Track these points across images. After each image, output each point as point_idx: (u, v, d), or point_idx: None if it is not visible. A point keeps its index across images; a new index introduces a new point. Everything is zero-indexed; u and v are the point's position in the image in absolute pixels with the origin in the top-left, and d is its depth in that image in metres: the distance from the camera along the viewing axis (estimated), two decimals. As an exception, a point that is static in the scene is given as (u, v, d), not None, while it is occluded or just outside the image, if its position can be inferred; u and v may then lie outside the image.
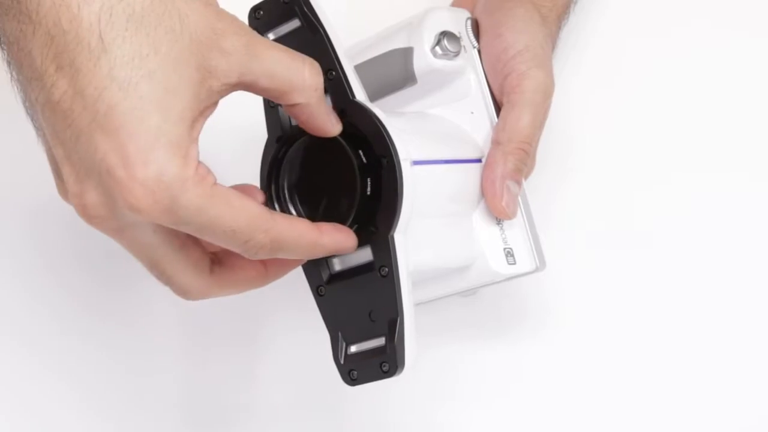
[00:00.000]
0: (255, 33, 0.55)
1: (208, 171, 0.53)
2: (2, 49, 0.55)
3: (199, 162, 0.53)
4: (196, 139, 0.54)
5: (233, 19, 0.55)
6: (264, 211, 0.55)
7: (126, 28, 0.52)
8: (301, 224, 0.57)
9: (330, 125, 0.59)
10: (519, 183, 0.67)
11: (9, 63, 0.55)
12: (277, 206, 0.62)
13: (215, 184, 0.54)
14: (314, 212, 0.62)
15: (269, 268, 0.60)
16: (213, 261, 0.59)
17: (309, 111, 0.57)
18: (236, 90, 0.55)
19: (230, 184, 0.76)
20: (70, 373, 0.77)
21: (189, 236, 0.57)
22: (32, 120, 0.56)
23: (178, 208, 0.52)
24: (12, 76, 0.55)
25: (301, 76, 0.56)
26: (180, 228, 0.54)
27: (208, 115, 0.55)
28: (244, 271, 0.60)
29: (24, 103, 0.55)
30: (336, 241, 0.59)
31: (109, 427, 0.76)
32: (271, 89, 0.56)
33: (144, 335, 0.77)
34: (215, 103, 0.55)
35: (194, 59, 0.53)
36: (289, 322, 0.76)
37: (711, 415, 0.76)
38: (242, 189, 0.59)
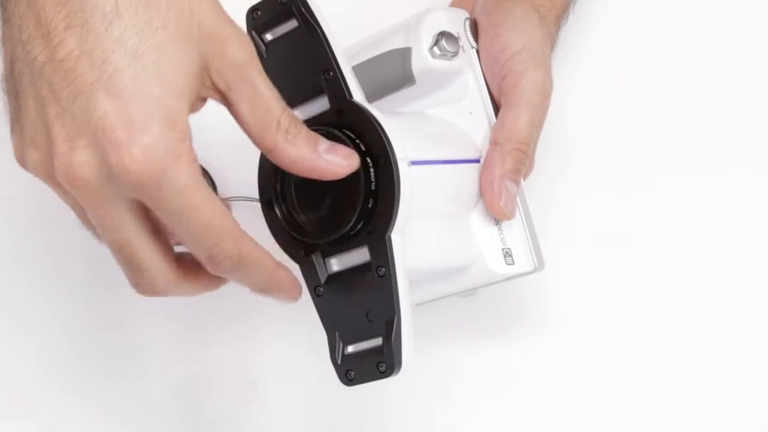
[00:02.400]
0: (256, 58, 0.56)
1: (197, 158, 0.54)
2: (0, 7, 0.56)
3: (193, 150, 0.54)
4: (188, 122, 0.54)
5: (241, 31, 0.56)
6: (238, 224, 0.56)
7: (140, 2, 0.53)
8: (264, 251, 0.57)
9: (321, 164, 0.58)
10: (517, 183, 0.67)
11: (5, 21, 0.55)
12: (281, 206, 0.62)
13: (201, 177, 0.54)
14: (317, 213, 0.62)
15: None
16: (177, 257, 0.58)
17: (284, 153, 0.57)
18: (217, 97, 0.56)
19: (226, 186, 0.77)
20: (63, 375, 0.77)
21: (157, 226, 0.56)
22: (10, 83, 0.56)
23: (165, 180, 0.52)
24: (3, 35, 0.56)
25: (276, 113, 0.56)
26: (159, 204, 0.53)
27: (198, 107, 0.55)
28: (204, 273, 0.58)
29: (7, 66, 0.56)
30: (287, 281, 0.59)
31: (108, 426, 0.76)
32: (248, 116, 0.56)
33: (139, 335, 0.77)
34: (204, 100, 0.56)
35: (198, 46, 0.54)
36: (287, 322, 0.76)
37: (710, 415, 0.76)
38: None
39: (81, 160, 0.53)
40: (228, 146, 0.74)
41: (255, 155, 0.64)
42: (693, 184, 0.79)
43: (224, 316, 0.77)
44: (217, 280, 0.59)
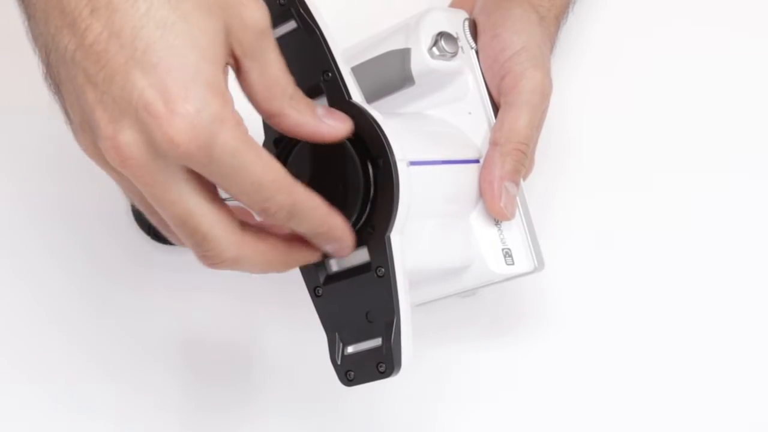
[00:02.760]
0: (271, 26, 0.56)
1: (242, 119, 0.54)
2: (23, 4, 0.56)
3: (237, 111, 0.54)
4: (227, 86, 0.54)
5: (260, 0, 0.56)
6: (288, 174, 0.56)
7: None
8: (318, 198, 0.57)
9: (322, 128, 0.59)
10: (517, 184, 0.67)
11: (31, 18, 0.56)
12: None
13: (248, 132, 0.54)
14: None
15: (293, 245, 0.60)
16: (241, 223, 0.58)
17: (289, 119, 0.57)
18: (231, 63, 0.56)
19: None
20: (61, 375, 0.77)
21: (218, 192, 0.56)
22: (50, 77, 0.56)
23: (214, 146, 0.52)
24: (33, 33, 0.56)
25: (284, 84, 0.57)
26: (210, 169, 0.53)
27: (227, 72, 0.55)
28: (272, 237, 0.59)
29: (43, 60, 0.56)
30: (343, 228, 0.59)
31: (105, 420, 0.76)
32: (257, 84, 0.56)
33: (141, 336, 0.77)
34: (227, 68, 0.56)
35: (221, 14, 0.54)
36: (286, 322, 0.76)
37: (710, 415, 0.76)
38: None
39: (127, 139, 0.53)
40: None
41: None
42: (692, 184, 0.79)
43: (225, 316, 0.77)
44: (286, 259, 0.59)
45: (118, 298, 0.77)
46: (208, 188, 0.56)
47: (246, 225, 0.58)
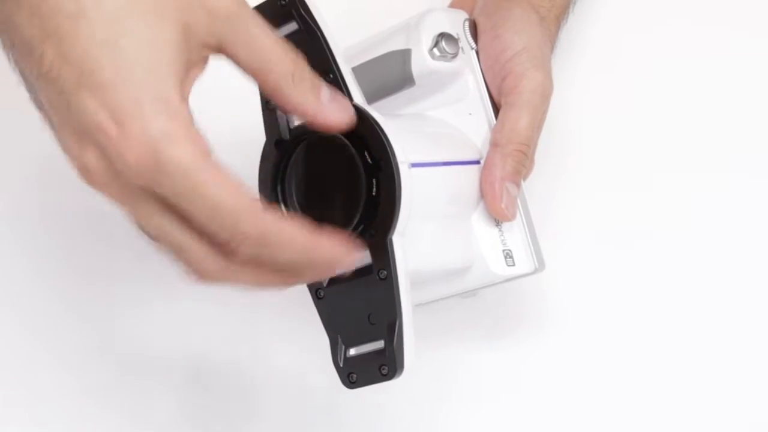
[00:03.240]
0: (247, 4, 0.55)
1: (203, 138, 0.52)
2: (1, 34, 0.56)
3: (194, 125, 0.52)
4: (186, 99, 0.53)
5: None
6: (256, 201, 0.53)
7: None
8: (294, 226, 0.53)
9: (323, 112, 0.57)
10: (518, 184, 0.67)
11: (7, 47, 0.55)
12: (283, 207, 0.62)
13: (209, 154, 0.52)
14: (319, 214, 0.62)
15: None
16: None
17: (288, 98, 0.56)
18: (218, 54, 0.55)
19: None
20: (60, 379, 0.76)
21: None
22: (34, 102, 0.56)
23: (164, 163, 0.51)
24: (8, 58, 0.56)
25: (278, 56, 0.55)
26: (166, 191, 0.51)
27: (195, 76, 0.54)
28: None
29: (24, 83, 0.56)
30: (328, 253, 0.54)
31: (102, 421, 0.76)
32: (249, 62, 0.55)
33: (141, 339, 0.77)
34: (200, 65, 0.54)
35: (175, 14, 0.53)
36: (289, 324, 0.76)
37: (711, 416, 0.76)
38: None
39: (93, 163, 0.53)
40: (229, 147, 0.74)
41: (256, 156, 0.64)
42: (693, 184, 0.79)
43: (227, 317, 0.77)
44: (281, 280, 0.55)
45: (117, 298, 0.77)
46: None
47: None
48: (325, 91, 0.57)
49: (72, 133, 0.53)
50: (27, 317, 0.77)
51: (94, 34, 0.52)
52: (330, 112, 0.57)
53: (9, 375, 0.77)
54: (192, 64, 0.54)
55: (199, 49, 0.54)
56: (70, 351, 0.77)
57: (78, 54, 0.52)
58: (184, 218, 0.53)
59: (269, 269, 0.54)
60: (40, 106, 0.55)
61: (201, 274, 0.55)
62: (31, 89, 0.55)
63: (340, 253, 0.54)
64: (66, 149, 0.54)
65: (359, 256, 0.57)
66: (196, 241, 0.54)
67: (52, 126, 0.54)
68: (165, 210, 0.53)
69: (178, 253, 0.55)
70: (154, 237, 0.55)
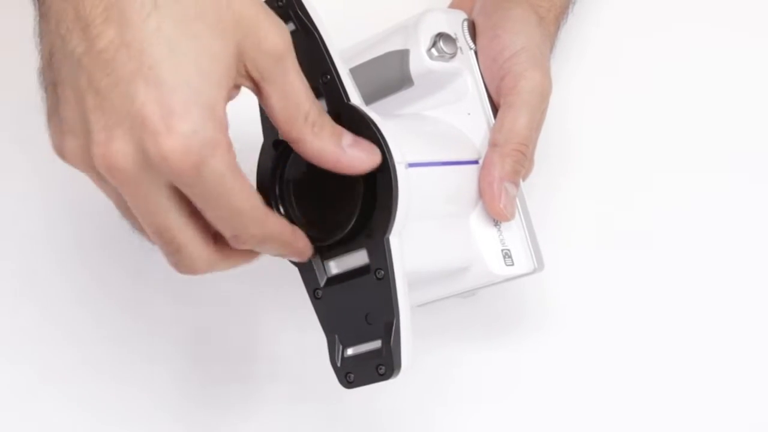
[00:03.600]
0: (292, 51, 0.57)
1: (233, 146, 0.55)
2: (36, 2, 0.58)
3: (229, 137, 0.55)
4: (225, 111, 0.55)
5: (279, 22, 0.57)
6: (264, 204, 0.57)
7: None
8: (284, 223, 0.59)
9: (344, 159, 0.59)
10: (516, 184, 0.67)
11: (43, 16, 0.57)
12: (281, 208, 0.63)
13: (236, 160, 0.55)
14: (315, 216, 0.62)
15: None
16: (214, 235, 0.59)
17: (310, 145, 0.58)
18: (249, 86, 0.57)
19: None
20: (62, 375, 0.77)
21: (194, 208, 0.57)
22: (47, 76, 0.57)
23: (204, 168, 0.53)
24: (41, 30, 0.57)
25: (306, 108, 0.58)
26: (194, 190, 0.54)
27: (233, 96, 0.56)
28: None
29: (45, 59, 0.57)
30: (300, 245, 0.61)
31: (105, 423, 0.76)
32: (278, 107, 0.57)
33: (141, 337, 0.77)
34: (236, 90, 0.57)
35: (235, 36, 0.55)
36: (286, 324, 0.76)
37: (710, 415, 0.76)
38: None
39: (118, 148, 0.54)
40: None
41: (254, 156, 0.64)
42: (693, 185, 0.78)
43: (224, 318, 0.77)
44: (250, 255, 0.60)
45: (116, 298, 0.77)
46: (189, 203, 0.57)
47: (219, 236, 0.59)
48: (347, 138, 0.59)
49: (105, 116, 0.54)
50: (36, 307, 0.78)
51: (162, 30, 0.53)
52: (351, 158, 0.59)
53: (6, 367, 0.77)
54: (236, 83, 0.56)
55: (242, 77, 0.56)
56: (67, 341, 0.77)
57: (140, 45, 0.53)
58: (195, 215, 0.57)
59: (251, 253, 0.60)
60: (56, 80, 0.56)
61: (188, 267, 0.58)
62: (58, 63, 0.56)
63: (307, 246, 0.61)
64: (90, 130, 0.54)
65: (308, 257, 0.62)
66: (198, 237, 0.57)
67: (71, 105, 0.55)
68: (178, 206, 0.56)
69: (175, 247, 0.57)
70: (157, 232, 0.57)
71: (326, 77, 0.61)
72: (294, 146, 0.59)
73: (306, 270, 0.63)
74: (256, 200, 0.56)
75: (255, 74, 0.56)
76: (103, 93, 0.54)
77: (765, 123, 0.80)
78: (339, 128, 0.59)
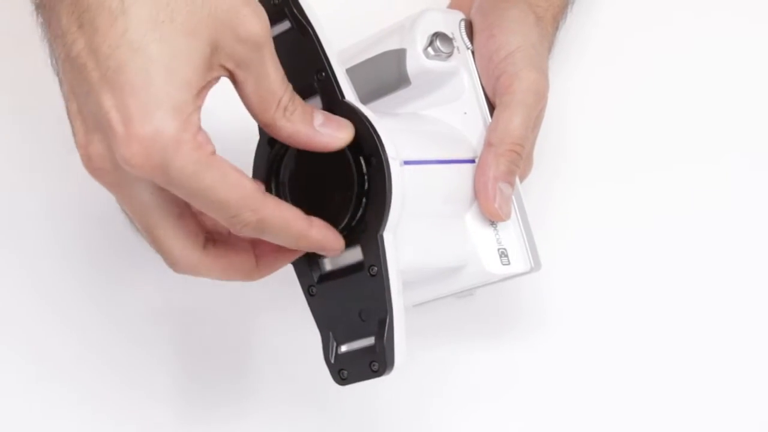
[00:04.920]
0: (270, 37, 0.57)
1: (208, 140, 0.55)
2: (38, 13, 0.59)
3: (201, 130, 0.55)
4: (199, 108, 0.55)
5: (256, 10, 0.56)
6: (257, 190, 0.57)
7: None
8: (291, 212, 0.58)
9: (316, 138, 0.59)
10: (512, 185, 0.67)
11: (42, 24, 0.58)
12: None
13: (214, 153, 0.55)
14: (312, 211, 0.62)
15: (260, 260, 0.61)
16: (207, 239, 0.60)
17: (282, 130, 0.59)
18: (224, 74, 0.57)
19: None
20: (60, 372, 0.77)
21: (187, 207, 0.58)
22: (58, 76, 0.58)
23: (170, 169, 0.54)
24: (44, 35, 0.58)
25: (279, 95, 0.58)
26: (172, 189, 0.55)
27: (211, 86, 0.57)
28: (236, 255, 0.61)
29: (51, 61, 0.58)
30: (324, 236, 0.60)
31: (102, 422, 0.76)
32: (253, 94, 0.57)
33: (138, 335, 0.77)
34: (214, 83, 0.57)
35: (207, 33, 0.55)
36: (280, 321, 0.76)
37: (710, 413, 0.75)
38: None
39: (98, 152, 0.55)
40: (228, 147, 0.74)
41: (250, 153, 0.64)
42: (691, 184, 0.78)
43: (219, 314, 0.77)
44: (253, 268, 0.61)
45: (116, 297, 0.78)
46: (176, 203, 0.58)
47: (211, 241, 0.60)
48: (318, 117, 0.60)
49: (84, 119, 0.55)
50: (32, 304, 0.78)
51: (128, 34, 0.54)
52: (322, 136, 0.60)
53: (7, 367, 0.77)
54: (212, 78, 0.56)
55: (218, 69, 0.56)
56: (65, 338, 0.77)
57: (107, 50, 0.54)
58: (182, 217, 0.58)
59: (245, 260, 0.61)
60: (61, 80, 0.57)
61: (174, 267, 0.59)
62: (57, 66, 0.57)
63: (331, 237, 0.60)
64: (75, 131, 0.56)
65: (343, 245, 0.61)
66: (184, 239, 0.58)
67: (68, 106, 0.57)
68: (163, 206, 0.57)
69: (159, 246, 0.59)
70: (144, 229, 0.58)
71: (321, 74, 0.61)
72: (267, 130, 0.59)
73: (300, 267, 0.63)
74: (244, 188, 0.56)
75: (230, 64, 0.56)
76: (80, 99, 0.55)
77: (763, 122, 0.80)
78: (310, 108, 0.59)
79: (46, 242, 0.78)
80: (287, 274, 0.63)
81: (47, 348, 0.77)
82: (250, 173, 0.64)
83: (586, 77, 0.80)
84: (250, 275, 0.61)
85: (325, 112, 0.60)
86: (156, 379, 0.76)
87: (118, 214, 0.76)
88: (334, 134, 0.60)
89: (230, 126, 0.72)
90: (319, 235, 0.59)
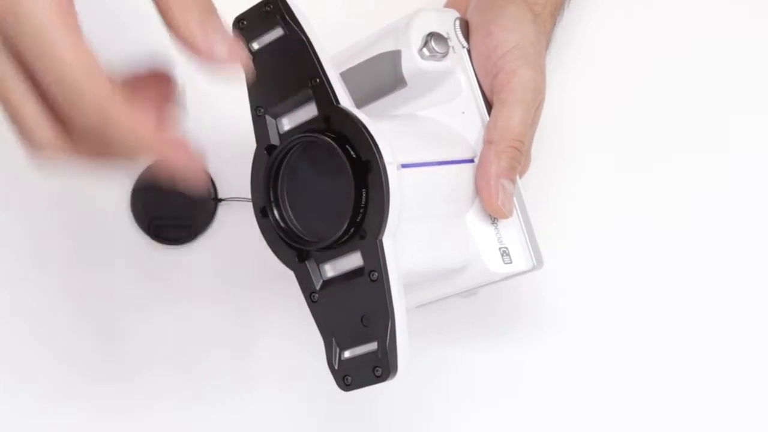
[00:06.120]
0: None
1: (75, 12, 0.51)
2: None
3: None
4: None
5: None
6: (107, 80, 0.51)
7: None
8: (135, 112, 0.52)
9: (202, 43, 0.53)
10: (513, 181, 0.67)
11: None
12: (276, 211, 0.63)
13: (74, 18, 0.51)
14: (309, 219, 0.62)
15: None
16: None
17: (172, 21, 0.53)
18: None
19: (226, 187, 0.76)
20: (60, 374, 0.77)
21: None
22: None
23: (20, 13, 0.50)
24: None
25: None
26: (15, 41, 0.50)
27: None
28: None
29: None
30: (175, 160, 0.53)
31: (102, 420, 0.77)
32: None
33: (139, 336, 0.77)
34: None
35: None
36: (284, 327, 0.76)
37: (710, 413, 0.75)
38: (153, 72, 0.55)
39: None
40: (227, 146, 0.74)
41: (248, 161, 0.64)
42: (692, 182, 0.78)
43: (222, 321, 0.77)
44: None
45: (116, 298, 0.78)
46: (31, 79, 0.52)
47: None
48: (217, 22, 0.53)
49: None
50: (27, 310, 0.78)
51: None
52: (211, 42, 0.53)
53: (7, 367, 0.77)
54: None
55: None
56: (66, 339, 0.77)
57: None
58: (29, 76, 0.52)
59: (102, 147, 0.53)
60: None
61: (34, 142, 0.53)
62: None
63: (170, 148, 0.54)
64: None
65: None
66: (33, 102, 0.52)
67: None
68: (11, 64, 0.52)
69: (14, 113, 0.53)
70: (2, 100, 0.53)
71: (315, 81, 0.61)
72: (164, 21, 0.53)
73: (302, 274, 0.63)
74: (91, 66, 0.51)
75: None
76: None
77: (764, 118, 0.79)
78: (212, 9, 0.53)
79: (47, 242, 0.78)
80: (289, 280, 0.63)
81: (46, 349, 0.77)
82: (247, 180, 0.64)
83: (583, 74, 0.79)
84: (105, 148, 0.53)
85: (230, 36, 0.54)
86: (156, 378, 0.77)
87: (114, 213, 0.76)
88: (219, 48, 0.53)
89: (229, 132, 0.73)
90: (177, 153, 0.53)
